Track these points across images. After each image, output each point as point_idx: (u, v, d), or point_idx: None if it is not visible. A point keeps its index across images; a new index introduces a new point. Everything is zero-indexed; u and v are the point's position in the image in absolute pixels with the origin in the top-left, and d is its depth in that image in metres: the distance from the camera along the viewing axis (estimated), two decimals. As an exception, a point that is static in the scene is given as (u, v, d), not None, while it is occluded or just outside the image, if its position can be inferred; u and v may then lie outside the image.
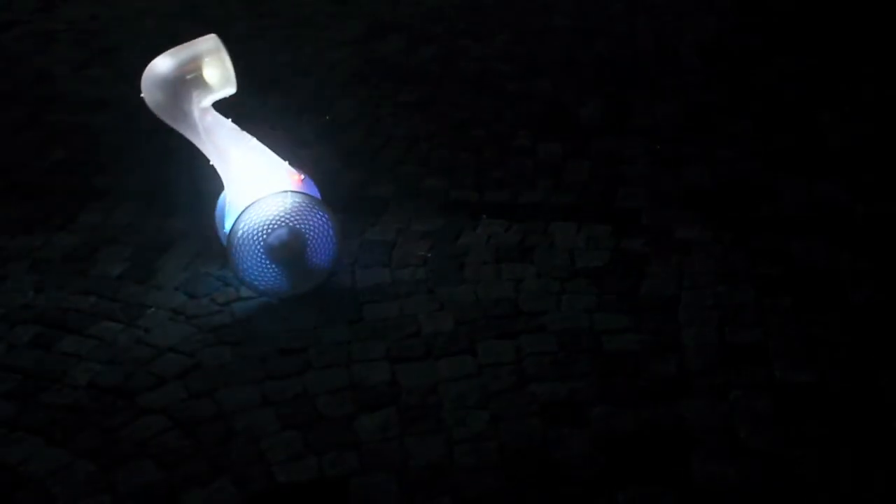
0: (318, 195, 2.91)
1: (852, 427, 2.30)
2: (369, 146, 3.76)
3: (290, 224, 2.79)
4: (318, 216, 2.82)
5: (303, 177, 2.89)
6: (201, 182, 3.54)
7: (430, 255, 2.93)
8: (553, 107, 3.99)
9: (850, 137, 3.59)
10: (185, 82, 2.71)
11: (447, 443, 2.33)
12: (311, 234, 2.83)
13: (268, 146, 2.89)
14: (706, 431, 2.32)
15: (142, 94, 2.75)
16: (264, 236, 2.77)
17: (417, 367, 2.58)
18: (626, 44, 4.55)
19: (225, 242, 2.86)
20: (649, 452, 2.27)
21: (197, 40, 2.77)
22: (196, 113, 2.75)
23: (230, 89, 2.79)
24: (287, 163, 2.91)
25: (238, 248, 2.77)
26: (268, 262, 2.81)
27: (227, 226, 2.83)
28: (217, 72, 2.74)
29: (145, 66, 2.77)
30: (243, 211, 2.75)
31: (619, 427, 2.34)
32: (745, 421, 2.34)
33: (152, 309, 2.86)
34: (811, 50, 4.37)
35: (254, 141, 2.87)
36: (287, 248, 2.79)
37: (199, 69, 2.72)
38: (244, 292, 2.90)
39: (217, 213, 3.03)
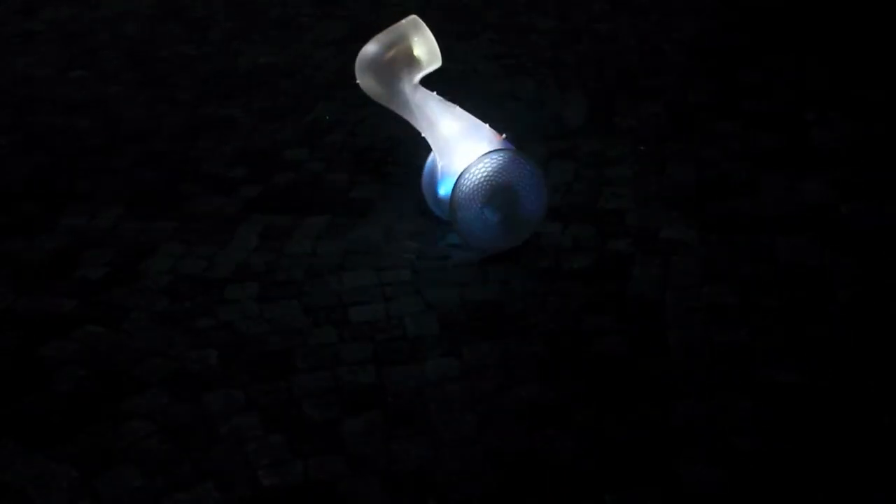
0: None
1: (839, 426, 2.31)
2: (353, 147, 3.75)
3: (505, 179, 2.94)
4: (528, 170, 2.96)
5: (503, 135, 3.02)
6: (184, 184, 3.53)
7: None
8: (537, 107, 3.99)
9: (835, 137, 3.60)
10: (396, 63, 2.90)
11: (434, 446, 2.32)
12: (523, 187, 2.97)
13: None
14: (693, 432, 2.31)
15: (356, 81, 2.96)
16: (483, 193, 2.93)
17: (403, 369, 2.56)
18: (611, 44, 4.56)
19: (434, 206, 3.13)
20: (636, 454, 2.27)
21: (399, 23, 2.95)
22: (408, 91, 2.94)
23: (436, 64, 2.96)
24: (487, 125, 3.03)
25: (460, 207, 2.93)
26: (487, 218, 2.96)
27: (443, 189, 3.02)
28: (423, 49, 2.92)
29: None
30: (462, 172, 2.91)
31: (605, 429, 2.34)
32: (731, 421, 2.34)
33: (135, 313, 2.83)
34: (796, 49, 4.38)
35: (458, 109, 3.03)
36: (504, 202, 2.96)
37: (406, 49, 2.91)
38: (228, 294, 2.88)
39: (424, 180, 3.17)
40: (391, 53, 2.90)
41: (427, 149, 3.12)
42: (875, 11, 4.75)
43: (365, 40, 2.99)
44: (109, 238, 3.22)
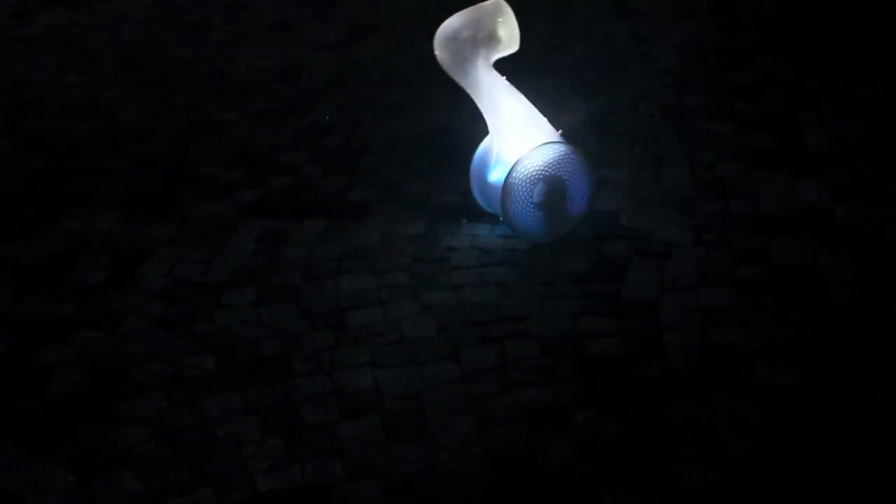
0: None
1: (836, 427, 2.31)
2: (349, 151, 3.75)
3: (557, 172, 2.98)
4: (579, 167, 3.00)
5: (560, 131, 3.04)
6: (180, 188, 3.53)
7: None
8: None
9: (830, 138, 3.61)
10: (476, 41, 2.93)
11: (431, 449, 2.32)
12: (573, 183, 3.01)
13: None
14: (690, 433, 2.32)
15: (435, 52, 2.97)
16: (537, 181, 2.97)
17: (401, 373, 2.57)
18: (606, 46, 4.56)
19: (479, 193, 3.16)
20: (633, 456, 2.27)
21: (484, 3, 2.96)
22: (481, 70, 2.97)
23: (514, 48, 2.98)
24: (546, 119, 3.06)
25: (511, 193, 2.96)
26: (534, 207, 3.00)
27: (495, 174, 3.06)
28: (504, 31, 2.95)
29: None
30: (518, 160, 2.94)
31: (603, 431, 2.34)
32: (728, 422, 2.34)
33: (132, 317, 2.83)
34: (791, 50, 4.39)
35: (523, 98, 3.04)
36: (554, 194, 3.00)
37: (487, 29, 2.93)
38: (225, 299, 2.88)
39: (474, 167, 3.18)
40: (472, 31, 2.93)
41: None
42: (870, 12, 4.76)
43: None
44: (106, 241, 3.22)
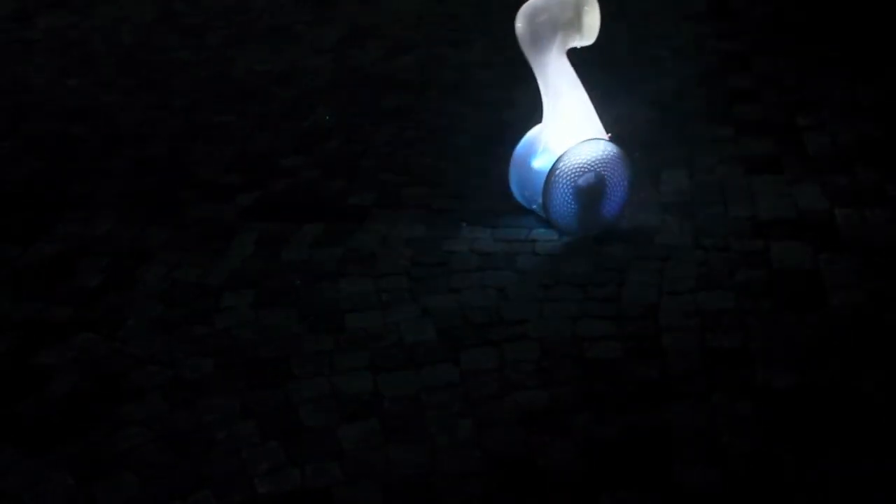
0: None
1: (835, 428, 2.31)
2: (349, 154, 3.76)
3: (604, 170, 3.05)
4: (622, 169, 3.08)
5: (610, 135, 3.10)
6: (180, 191, 3.53)
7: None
8: (533, 114, 3.99)
9: (828, 142, 3.62)
10: (557, 24, 2.96)
11: (431, 452, 2.32)
12: (614, 184, 3.08)
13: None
14: (689, 436, 2.32)
15: (516, 24, 2.98)
16: (582, 173, 3.03)
17: (400, 375, 2.57)
18: (604, 50, 4.56)
19: (515, 177, 3.20)
20: (632, 458, 2.27)
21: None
22: (554, 55, 3.00)
23: (589, 40, 3.03)
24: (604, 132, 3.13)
25: (557, 178, 3.01)
26: (574, 198, 3.05)
27: (537, 160, 3.11)
28: (587, 21, 2.98)
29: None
30: (571, 149, 3.00)
31: (602, 433, 2.34)
32: (727, 425, 2.34)
33: (132, 319, 2.83)
34: (790, 54, 4.40)
35: (584, 93, 3.09)
36: (594, 189, 3.06)
37: (572, 15, 2.96)
38: (224, 302, 2.89)
39: (520, 149, 3.21)
40: (557, 12, 2.95)
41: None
42: (868, 16, 4.77)
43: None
44: (105, 245, 3.22)
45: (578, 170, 3.02)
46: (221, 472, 2.28)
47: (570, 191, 3.04)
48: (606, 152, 3.05)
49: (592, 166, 3.04)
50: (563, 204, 3.06)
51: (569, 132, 3.06)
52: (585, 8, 2.98)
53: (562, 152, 3.01)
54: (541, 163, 3.10)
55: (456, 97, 4.20)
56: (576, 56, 3.09)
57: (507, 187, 3.25)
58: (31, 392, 2.56)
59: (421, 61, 4.59)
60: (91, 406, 2.50)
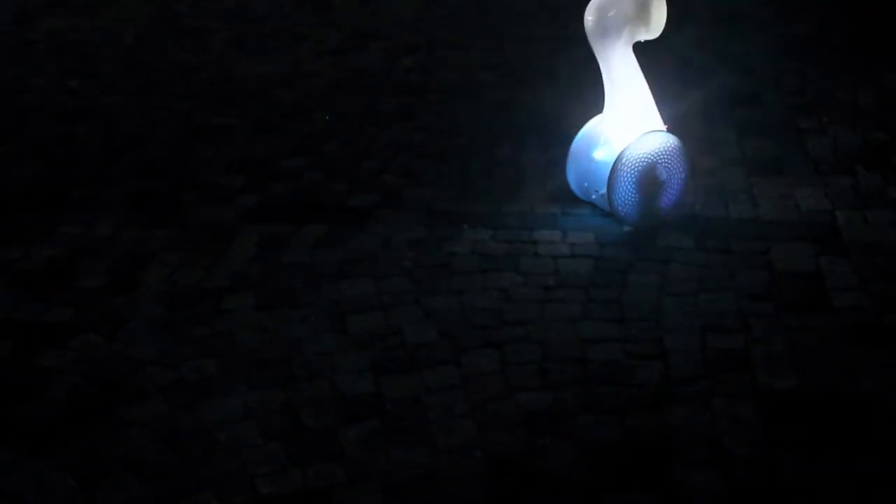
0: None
1: (836, 432, 2.31)
2: (350, 156, 3.76)
3: (667, 161, 3.10)
4: (682, 162, 3.12)
5: (668, 125, 3.15)
6: (181, 193, 3.53)
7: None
8: (534, 115, 4.00)
9: (830, 145, 3.62)
10: (626, 17, 2.99)
11: (432, 453, 2.32)
12: (673, 176, 3.12)
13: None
14: (690, 438, 2.32)
15: (586, 16, 3.06)
16: (647, 164, 3.07)
17: (402, 377, 2.56)
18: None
19: (574, 169, 3.23)
20: (634, 460, 2.27)
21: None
22: (620, 46, 3.03)
23: (656, 34, 3.05)
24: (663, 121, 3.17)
25: (622, 167, 3.04)
26: (637, 188, 3.08)
27: (598, 151, 3.17)
28: (655, 16, 3.01)
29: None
30: (638, 140, 3.05)
31: (603, 435, 2.34)
32: (728, 427, 2.34)
33: (133, 321, 2.83)
34: (789, 55, 4.40)
35: (646, 86, 3.13)
36: (656, 180, 3.10)
37: (641, 7, 3.00)
38: (226, 304, 2.88)
39: (579, 141, 3.24)
40: (627, 7, 2.99)
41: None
42: (870, 19, 4.78)
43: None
44: (107, 247, 3.22)
45: (644, 160, 3.06)
46: (223, 474, 2.28)
47: (634, 181, 3.08)
48: (669, 144, 3.09)
49: (656, 157, 3.08)
50: (627, 194, 3.09)
51: (630, 124, 3.10)
52: (654, 3, 3.01)
53: (628, 143, 3.05)
54: (602, 154, 3.16)
55: (457, 99, 4.21)
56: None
57: (564, 180, 3.30)
58: (33, 393, 2.56)
59: (422, 63, 4.59)
60: (92, 407, 2.50)
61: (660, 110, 3.18)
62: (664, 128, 3.14)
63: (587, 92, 4.15)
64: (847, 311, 2.71)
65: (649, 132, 3.07)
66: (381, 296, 2.89)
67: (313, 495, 2.22)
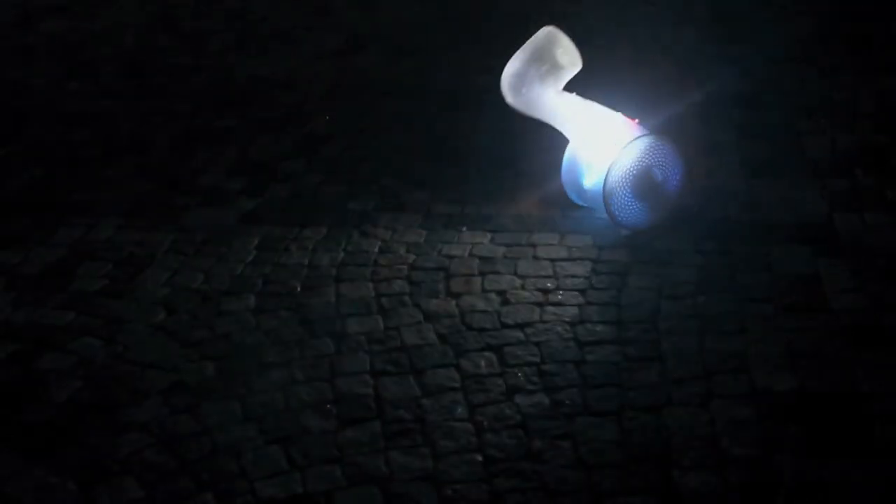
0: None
1: (834, 433, 2.31)
2: (349, 159, 3.76)
3: (647, 163, 3.08)
4: (667, 151, 3.10)
5: (637, 119, 3.13)
6: (181, 195, 3.54)
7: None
8: (533, 119, 4.00)
9: (828, 146, 3.62)
10: (541, 78, 3.00)
11: (432, 456, 2.32)
12: (663, 166, 3.11)
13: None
14: (688, 440, 2.32)
15: (507, 101, 3.06)
16: (629, 179, 3.06)
17: (401, 380, 2.57)
18: (605, 55, 4.58)
19: (576, 195, 3.24)
20: (633, 462, 2.28)
21: (537, 35, 3.02)
22: (553, 99, 3.05)
23: (577, 68, 3.04)
24: (620, 113, 3.14)
25: (612, 196, 3.06)
26: (635, 200, 3.09)
27: (586, 180, 3.18)
28: (565, 58, 3.01)
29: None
30: (608, 169, 3.04)
31: (602, 437, 2.35)
32: (726, 429, 2.34)
33: (133, 324, 2.84)
34: (788, 57, 4.41)
35: (596, 105, 3.12)
36: (649, 183, 3.09)
37: (548, 62, 3.00)
38: (225, 306, 2.89)
39: (566, 174, 3.26)
40: (535, 69, 3.00)
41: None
42: (868, 21, 4.78)
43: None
44: (106, 250, 3.22)
45: (631, 174, 3.06)
46: (222, 477, 2.29)
47: (632, 195, 3.09)
48: (647, 145, 3.07)
49: (642, 163, 3.07)
50: (631, 212, 3.12)
51: (602, 147, 3.09)
52: (558, 49, 3.00)
53: (607, 168, 3.04)
54: (591, 181, 3.17)
55: (455, 102, 4.21)
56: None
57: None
58: (33, 397, 2.56)
59: (421, 67, 4.60)
60: (92, 410, 2.51)
61: (623, 108, 3.18)
62: (634, 124, 3.11)
63: (587, 93, 4.17)
64: (845, 313, 2.72)
65: (623, 147, 3.04)
66: (380, 298, 2.90)
67: (313, 498, 2.23)
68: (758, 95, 4.08)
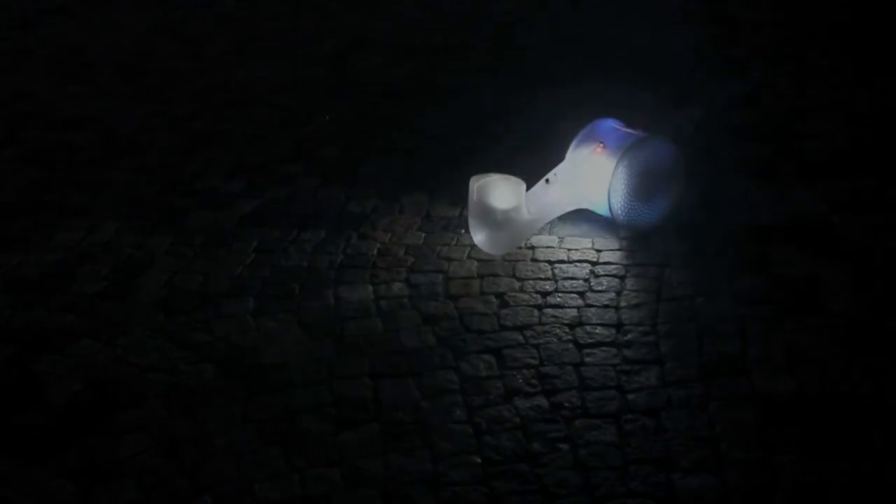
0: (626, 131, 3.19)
1: (834, 435, 2.31)
2: (348, 161, 3.77)
3: (639, 171, 3.09)
4: (664, 151, 3.13)
5: (602, 145, 3.12)
6: (179, 198, 3.54)
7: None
8: (532, 121, 4.01)
9: (826, 148, 3.63)
10: (505, 218, 3.01)
11: (431, 458, 2.32)
12: (656, 165, 3.11)
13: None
14: (687, 443, 2.32)
15: (503, 253, 3.06)
16: (632, 178, 3.08)
17: (400, 382, 2.57)
18: (604, 57, 4.58)
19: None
20: (631, 465, 2.27)
21: (470, 194, 3.01)
22: (527, 219, 3.06)
23: (522, 186, 3.03)
24: (592, 147, 3.13)
25: (622, 216, 3.11)
26: (643, 205, 3.12)
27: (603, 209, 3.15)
28: (507, 190, 3.02)
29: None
30: (609, 202, 3.08)
31: (601, 440, 2.35)
32: (725, 431, 2.34)
33: (131, 326, 2.84)
34: (787, 59, 4.41)
35: (569, 169, 3.15)
36: (650, 187, 3.11)
37: (497, 208, 3.00)
38: (224, 309, 2.89)
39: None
40: (493, 218, 3.01)
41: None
42: (865, 22, 4.79)
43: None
44: (105, 252, 3.22)
45: (628, 202, 3.09)
46: (221, 479, 2.28)
47: (639, 202, 3.11)
48: (630, 162, 3.06)
49: (637, 170, 3.07)
50: (643, 216, 3.14)
51: (596, 191, 3.11)
52: (495, 192, 3.00)
53: (607, 198, 3.07)
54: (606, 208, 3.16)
55: (454, 104, 4.22)
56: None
57: None
58: (31, 400, 2.56)
59: (419, 69, 4.60)
60: (91, 413, 2.51)
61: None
62: (599, 150, 3.10)
63: (587, 95, 4.17)
64: (844, 315, 2.72)
65: (613, 171, 3.05)
66: (379, 301, 2.90)
67: (312, 500, 2.23)
68: (756, 97, 4.08)
